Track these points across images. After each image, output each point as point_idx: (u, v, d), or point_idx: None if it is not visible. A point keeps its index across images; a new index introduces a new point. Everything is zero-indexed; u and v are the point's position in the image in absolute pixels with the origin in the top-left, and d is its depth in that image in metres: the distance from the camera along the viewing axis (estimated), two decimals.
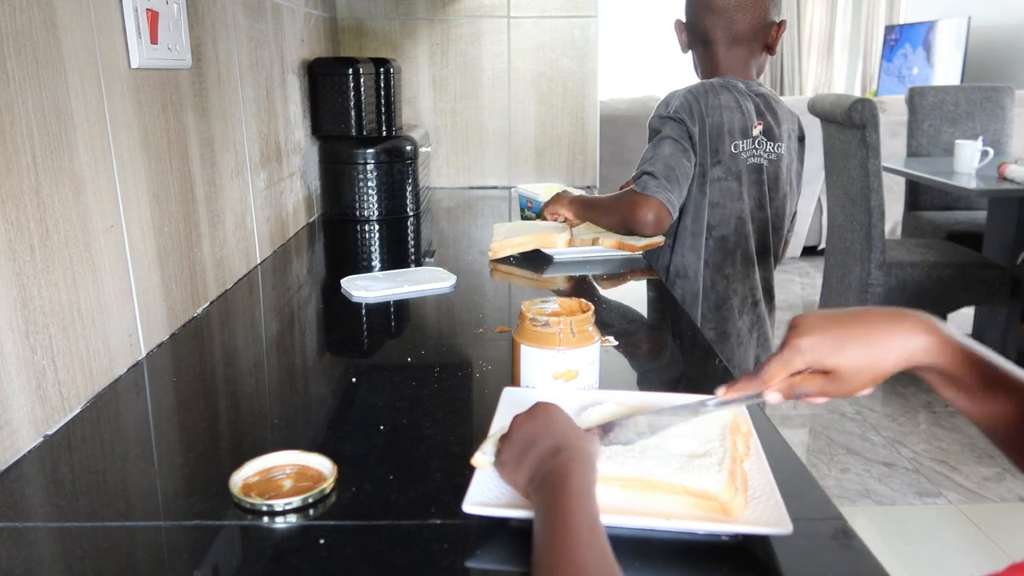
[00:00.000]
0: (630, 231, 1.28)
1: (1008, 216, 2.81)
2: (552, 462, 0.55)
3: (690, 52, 1.41)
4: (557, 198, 1.47)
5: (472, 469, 0.62)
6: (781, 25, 1.32)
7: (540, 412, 0.61)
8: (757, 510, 0.57)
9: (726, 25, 1.30)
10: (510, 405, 0.72)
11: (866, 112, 2.47)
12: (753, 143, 1.29)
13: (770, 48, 1.33)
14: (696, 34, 1.35)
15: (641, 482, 0.59)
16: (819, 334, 0.63)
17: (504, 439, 0.61)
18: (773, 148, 1.31)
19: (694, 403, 0.67)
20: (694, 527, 0.56)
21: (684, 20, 1.37)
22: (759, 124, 1.29)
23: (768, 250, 1.36)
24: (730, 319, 1.32)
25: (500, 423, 0.69)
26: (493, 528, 0.58)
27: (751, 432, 0.67)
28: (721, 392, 0.66)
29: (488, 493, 0.59)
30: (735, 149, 1.28)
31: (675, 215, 1.24)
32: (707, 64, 1.36)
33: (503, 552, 0.56)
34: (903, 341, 0.62)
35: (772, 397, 0.64)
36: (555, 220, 1.46)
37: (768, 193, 1.32)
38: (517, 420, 0.61)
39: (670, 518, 0.56)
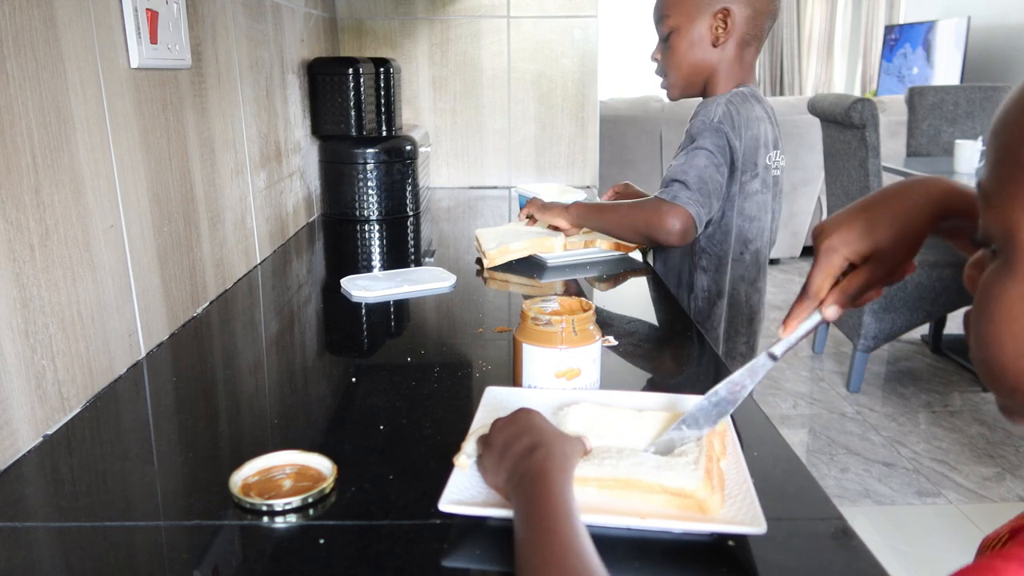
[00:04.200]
0: (651, 240, 1.22)
1: None
2: (529, 461, 0.55)
3: (666, 48, 1.27)
4: (548, 209, 1.38)
5: None
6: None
7: (520, 416, 0.61)
8: (733, 509, 0.57)
9: (768, 28, 1.22)
10: (491, 405, 0.72)
11: (866, 112, 2.47)
12: (779, 155, 1.25)
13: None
14: (748, 33, 1.22)
15: (619, 482, 0.59)
16: (845, 226, 0.62)
17: (484, 444, 0.61)
18: (781, 159, 1.28)
19: (762, 359, 0.64)
20: (669, 526, 0.56)
21: (733, 11, 1.20)
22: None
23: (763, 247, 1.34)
24: (759, 332, 1.31)
25: (481, 422, 0.69)
26: (471, 527, 0.57)
27: (727, 431, 0.67)
28: (782, 331, 0.64)
29: (464, 492, 0.59)
30: (769, 161, 1.23)
31: (700, 230, 1.19)
32: (733, 69, 1.23)
33: (481, 551, 0.56)
34: (924, 194, 0.62)
35: (831, 312, 0.63)
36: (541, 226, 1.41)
37: (779, 205, 1.29)
38: (497, 424, 0.61)
39: (645, 517, 0.56)
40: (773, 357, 0.64)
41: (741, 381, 0.64)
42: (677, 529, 0.56)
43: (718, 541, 0.56)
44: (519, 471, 0.55)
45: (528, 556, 0.47)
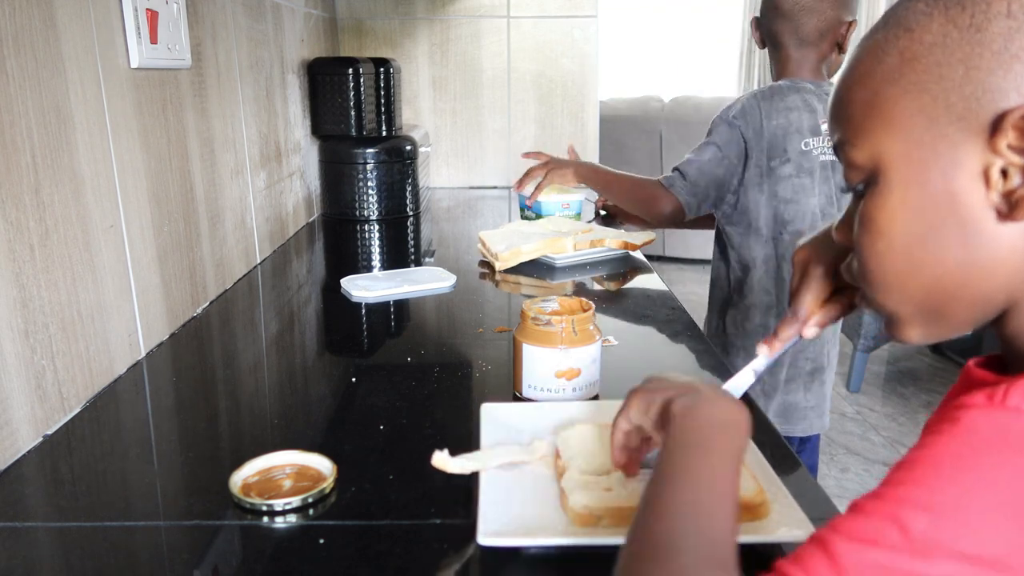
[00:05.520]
0: (644, 216, 1.46)
1: None
2: (717, 403, 0.53)
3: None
4: (558, 168, 1.59)
5: (464, 479, 0.61)
6: (852, 24, 1.34)
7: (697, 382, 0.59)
8: (776, 513, 0.56)
9: (793, 28, 1.33)
10: (492, 420, 0.72)
11: None
12: (824, 140, 1.33)
13: (841, 47, 1.36)
14: (767, 35, 1.38)
15: None
16: (830, 251, 0.63)
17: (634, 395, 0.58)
18: (828, 143, 1.33)
19: (746, 373, 0.65)
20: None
21: (759, 18, 1.40)
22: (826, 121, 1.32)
23: None
24: None
25: (490, 437, 0.69)
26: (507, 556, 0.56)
27: None
28: (765, 349, 0.64)
29: (499, 521, 0.57)
30: (806, 147, 1.32)
31: (690, 217, 1.37)
32: (777, 65, 1.39)
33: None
34: None
35: (811, 332, 0.64)
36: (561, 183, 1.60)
37: (835, 190, 1.36)
38: (660, 379, 0.58)
39: None
40: (757, 374, 0.65)
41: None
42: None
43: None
44: (700, 403, 0.52)
45: (669, 488, 0.46)
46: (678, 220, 1.39)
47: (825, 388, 1.41)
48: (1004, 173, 0.41)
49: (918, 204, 0.44)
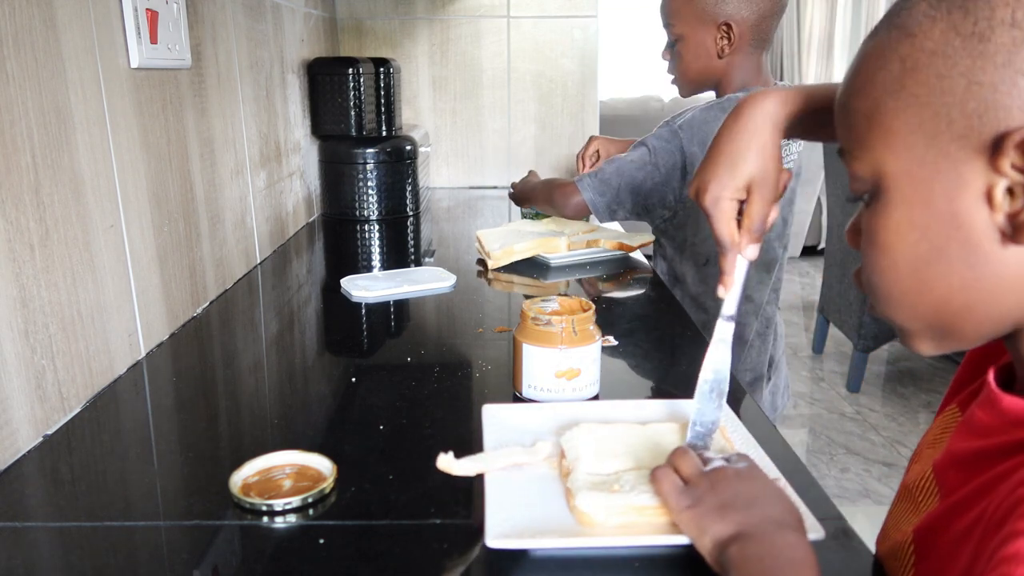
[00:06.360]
0: (555, 211, 1.40)
1: None
2: (781, 535, 0.49)
3: (680, 59, 1.29)
4: (515, 190, 1.58)
5: (464, 479, 0.61)
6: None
7: (760, 475, 0.56)
8: None
9: (775, 26, 1.22)
10: (495, 422, 0.72)
11: None
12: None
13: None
14: (755, 38, 1.21)
15: None
16: (713, 174, 0.65)
17: (696, 478, 0.55)
18: (796, 147, 1.30)
19: (722, 326, 0.65)
20: None
21: (735, 24, 1.20)
22: None
23: (782, 252, 1.35)
24: (747, 325, 1.32)
25: (492, 439, 0.69)
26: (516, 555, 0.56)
27: (726, 427, 0.68)
28: (721, 290, 0.65)
29: (507, 523, 0.57)
30: None
31: (600, 216, 1.31)
32: (741, 73, 1.24)
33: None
34: (760, 113, 0.66)
35: (751, 252, 0.65)
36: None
37: (787, 195, 1.31)
38: (726, 471, 0.55)
39: None
40: (730, 318, 0.65)
41: (721, 357, 0.66)
42: None
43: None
44: (766, 540, 0.49)
45: None
46: (581, 215, 1.33)
47: (763, 395, 1.37)
48: (1011, 192, 0.40)
49: (922, 223, 0.43)
